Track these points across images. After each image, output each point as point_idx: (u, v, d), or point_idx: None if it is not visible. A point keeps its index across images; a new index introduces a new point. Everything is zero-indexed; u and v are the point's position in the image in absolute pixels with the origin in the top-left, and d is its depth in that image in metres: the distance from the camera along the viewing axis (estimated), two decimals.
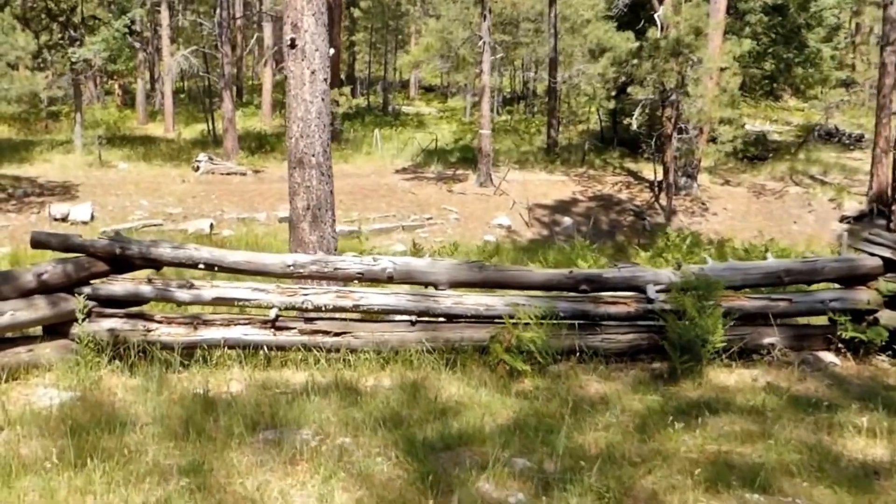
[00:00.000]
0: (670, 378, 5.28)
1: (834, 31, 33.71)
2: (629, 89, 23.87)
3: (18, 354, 5.16)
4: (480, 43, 25.32)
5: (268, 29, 39.64)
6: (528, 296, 5.94)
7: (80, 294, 5.34)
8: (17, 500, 3.35)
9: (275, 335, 5.53)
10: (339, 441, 4.01)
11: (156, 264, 5.73)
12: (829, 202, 23.62)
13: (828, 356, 5.79)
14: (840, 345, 5.85)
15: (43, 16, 27.05)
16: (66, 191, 21.88)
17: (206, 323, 5.53)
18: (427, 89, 52.46)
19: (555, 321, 5.53)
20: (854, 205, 23.21)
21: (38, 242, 5.49)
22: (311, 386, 4.87)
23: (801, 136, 31.11)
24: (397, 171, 26.90)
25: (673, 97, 22.16)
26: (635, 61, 23.49)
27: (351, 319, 5.80)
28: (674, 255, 11.29)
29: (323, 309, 5.58)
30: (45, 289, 5.24)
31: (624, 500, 3.43)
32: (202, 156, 26.07)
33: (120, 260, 5.58)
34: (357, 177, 24.58)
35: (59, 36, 26.62)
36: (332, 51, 7.77)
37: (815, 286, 6.49)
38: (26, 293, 5.17)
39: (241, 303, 5.59)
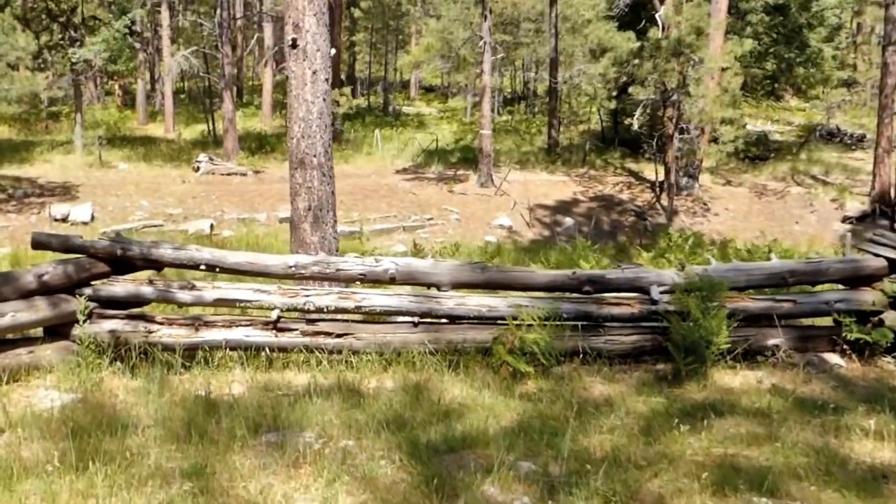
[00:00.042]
0: (674, 380, 5.25)
1: (835, 30, 33.69)
2: (630, 89, 23.85)
3: (19, 356, 5.14)
4: (481, 43, 25.30)
5: (268, 29, 39.65)
6: (530, 297, 5.91)
7: (80, 295, 5.31)
8: (18, 503, 3.32)
9: (276, 336, 5.50)
10: (342, 444, 3.98)
11: (157, 265, 5.70)
12: (830, 202, 23.59)
13: (833, 358, 5.76)
14: (845, 346, 5.82)
15: (43, 16, 27.03)
16: (66, 191, 21.86)
17: (208, 324, 5.50)
18: (427, 89, 52.44)
19: (558, 322, 5.50)
20: (856, 205, 23.16)
21: (39, 243, 5.46)
22: (314, 388, 4.84)
23: (803, 136, 31.07)
24: (398, 172, 26.88)
25: (674, 97, 22.14)
26: (636, 61, 23.46)
27: (353, 321, 5.77)
28: (676, 256, 11.26)
29: (325, 310, 5.55)
30: (45, 290, 5.21)
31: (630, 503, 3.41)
32: (202, 156, 26.06)
33: (121, 261, 5.54)
34: (357, 177, 24.57)
35: (60, 36, 26.60)
36: (333, 51, 7.74)
37: (819, 287, 6.46)
38: (27, 294, 5.14)
39: (242, 304, 5.56)
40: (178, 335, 5.42)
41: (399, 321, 5.75)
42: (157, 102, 38.48)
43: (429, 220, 21.97)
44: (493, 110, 28.35)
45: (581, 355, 5.55)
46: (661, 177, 24.21)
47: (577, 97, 31.96)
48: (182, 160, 26.63)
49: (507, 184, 24.64)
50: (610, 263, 10.10)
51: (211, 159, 25.90)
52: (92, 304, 5.33)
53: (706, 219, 22.99)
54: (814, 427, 4.32)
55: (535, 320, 5.38)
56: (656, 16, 22.84)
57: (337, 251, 7.98)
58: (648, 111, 24.75)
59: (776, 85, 33.14)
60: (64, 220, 19.38)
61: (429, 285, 5.77)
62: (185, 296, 5.49)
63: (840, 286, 6.24)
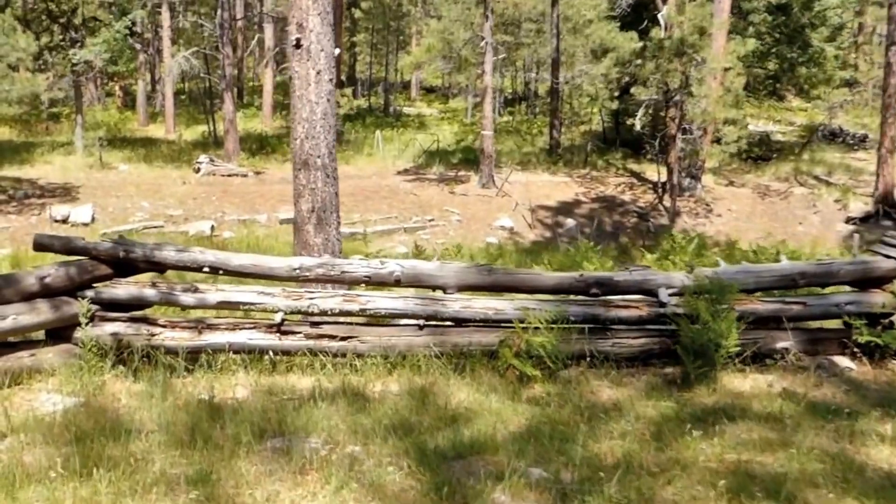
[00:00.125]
0: (684, 383, 5.18)
1: (838, 30, 33.59)
2: (632, 90, 23.79)
3: (21, 359, 5.08)
4: (482, 43, 25.24)
5: (268, 30, 39.60)
6: (537, 299, 5.85)
7: (82, 297, 5.26)
8: None
9: (280, 340, 5.44)
10: (348, 449, 3.92)
11: (160, 267, 5.64)
12: (834, 203, 23.49)
13: (843, 361, 5.69)
14: (855, 349, 5.75)
15: (44, 17, 26.96)
16: (66, 192, 21.80)
17: (211, 327, 5.45)
18: (428, 90, 52.38)
19: (565, 325, 5.43)
20: (860, 206, 23.06)
21: (41, 245, 5.41)
22: (318, 392, 4.78)
23: (805, 137, 31.00)
24: (399, 173, 26.82)
25: (677, 97, 22.07)
26: (639, 61, 23.40)
27: (357, 324, 5.71)
28: (680, 258, 11.21)
29: (329, 313, 5.49)
30: (47, 292, 5.15)
31: None
32: (203, 157, 25.99)
33: (123, 263, 5.49)
34: (358, 178, 24.50)
35: (60, 37, 26.53)
36: (337, 51, 7.68)
37: (828, 289, 6.40)
38: (29, 296, 5.08)
39: (246, 307, 5.51)
40: (180, 338, 5.37)
41: (404, 324, 5.69)
42: (158, 103, 38.41)
43: (430, 221, 21.91)
44: (494, 111, 28.27)
45: (588, 358, 5.49)
46: (664, 177, 24.13)
47: (578, 98, 31.91)
48: (183, 161, 26.57)
49: (509, 185, 24.57)
50: (614, 265, 10.04)
51: (212, 160, 25.83)
52: (94, 307, 5.27)
53: (709, 220, 22.92)
54: (828, 432, 4.25)
55: (542, 323, 5.32)
56: (658, 16, 22.78)
57: (340, 253, 7.93)
58: (651, 111, 24.69)
59: (778, 85, 33.07)
60: (64, 221, 19.31)
61: (434, 288, 5.71)
62: (188, 298, 5.43)
63: (847, 287, 6.19)
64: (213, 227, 19.65)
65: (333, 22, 7.80)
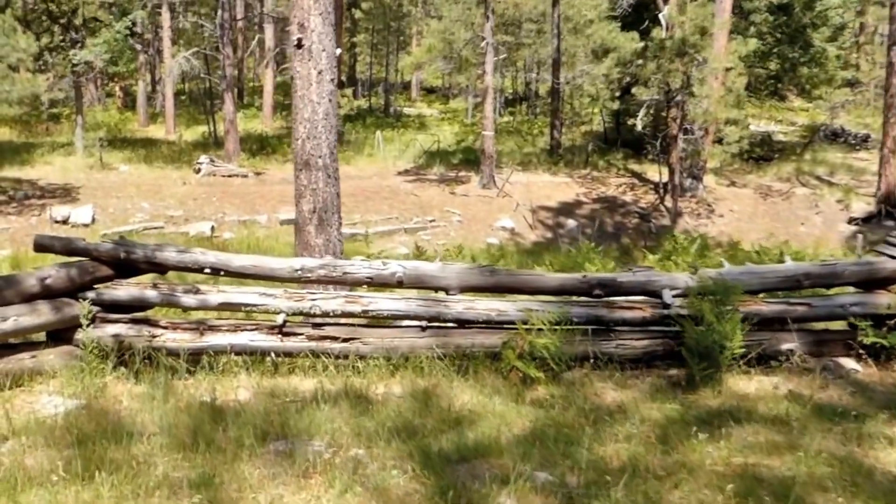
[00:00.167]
0: (688, 385, 5.15)
1: (839, 30, 33.55)
2: (633, 90, 23.75)
3: (22, 361, 5.06)
4: (483, 44, 25.22)
5: (269, 30, 39.55)
6: (540, 301, 5.82)
7: (83, 299, 5.23)
8: None
9: (282, 341, 5.41)
10: (352, 452, 3.89)
11: (161, 268, 5.61)
12: (836, 203, 23.41)
13: (849, 362, 5.65)
14: (861, 350, 5.72)
15: (44, 18, 26.93)
16: (66, 193, 21.77)
17: (213, 328, 5.42)
18: (428, 91, 52.34)
19: (568, 327, 5.40)
20: (862, 206, 22.98)
21: (42, 246, 5.38)
22: (321, 394, 4.76)
23: (807, 137, 30.95)
24: (399, 173, 26.78)
25: (678, 97, 22.03)
26: (640, 62, 23.35)
27: (359, 325, 5.68)
28: (683, 259, 11.17)
29: (331, 314, 5.46)
30: (48, 293, 5.13)
31: None
32: (203, 158, 25.96)
33: (124, 264, 5.46)
34: (359, 179, 24.46)
35: (61, 38, 26.49)
36: (339, 51, 7.65)
37: (833, 290, 6.36)
38: (30, 298, 5.06)
39: (248, 308, 5.48)
40: (182, 340, 5.34)
41: (406, 325, 5.66)
42: (158, 104, 38.38)
43: (430, 221, 21.88)
44: (494, 111, 28.24)
45: (591, 360, 5.46)
46: (665, 178, 24.08)
47: (579, 98, 31.86)
48: (183, 162, 26.54)
49: (510, 185, 24.54)
50: (617, 266, 10.00)
51: (212, 161, 25.80)
52: (95, 308, 5.25)
53: (710, 220, 22.87)
54: (835, 435, 4.22)
55: (545, 325, 5.29)
56: (660, 16, 22.73)
57: (342, 254, 7.90)
58: (652, 112, 24.65)
59: (779, 85, 33.02)
60: (64, 222, 19.29)
61: (436, 289, 5.68)
62: (189, 300, 5.40)
63: (850, 289, 6.15)
64: (213, 228, 19.62)
65: (334, 22, 7.77)
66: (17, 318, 4.92)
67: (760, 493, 3.48)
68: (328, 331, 5.47)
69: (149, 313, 5.69)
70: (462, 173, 26.58)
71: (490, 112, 25.69)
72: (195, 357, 5.28)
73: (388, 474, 3.60)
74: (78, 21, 26.27)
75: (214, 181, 24.36)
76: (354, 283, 5.75)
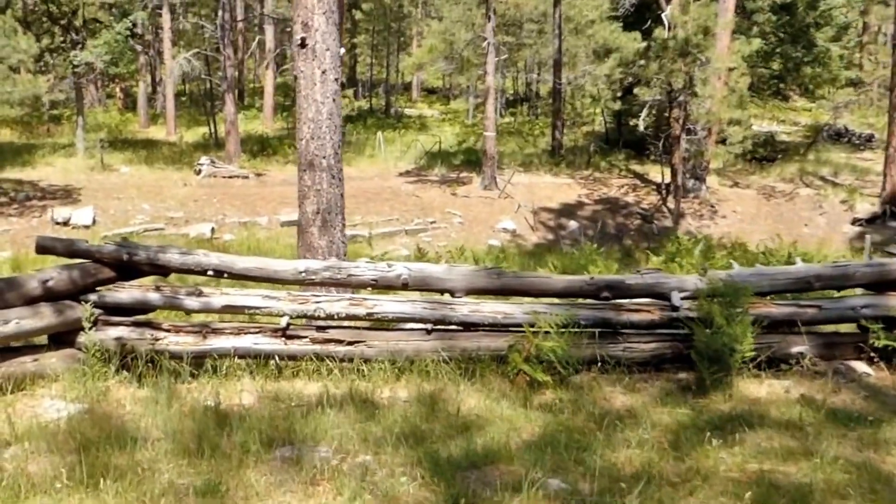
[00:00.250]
0: (698, 390, 5.08)
1: (843, 29, 33.45)
2: (635, 90, 23.67)
3: (24, 364, 5.00)
4: (485, 44, 25.16)
5: (269, 31, 39.48)
6: (546, 303, 5.75)
7: (86, 301, 5.17)
8: None
9: (286, 344, 5.35)
10: (360, 459, 3.82)
11: (163, 271, 5.55)
12: (840, 204, 23.25)
13: (860, 366, 5.58)
14: (872, 354, 5.64)
15: (44, 19, 26.87)
16: (67, 195, 21.70)
17: (216, 331, 5.36)
18: (429, 91, 52.30)
19: (575, 330, 5.33)
20: (866, 206, 22.79)
21: (44, 248, 5.32)
22: (326, 398, 4.69)
23: (810, 137, 30.84)
24: (400, 174, 26.71)
25: (681, 98, 21.94)
26: (642, 62, 23.26)
27: (364, 328, 5.62)
28: (687, 260, 11.11)
29: (335, 317, 5.39)
30: (50, 296, 5.07)
31: None
32: (204, 159, 25.90)
33: (127, 266, 5.40)
34: (360, 180, 24.36)
35: (61, 39, 26.42)
36: (342, 50, 7.59)
37: (842, 292, 6.28)
38: (31, 300, 5.00)
39: (251, 311, 5.42)
40: (185, 343, 5.28)
41: (411, 328, 5.59)
42: (159, 105, 38.34)
43: (431, 223, 21.81)
44: (496, 112, 28.18)
45: (599, 364, 5.40)
46: (668, 179, 23.98)
47: (580, 98, 31.79)
48: (183, 163, 26.48)
49: (511, 186, 24.46)
50: (621, 268, 9.94)
51: (212, 162, 25.74)
52: (97, 311, 5.19)
53: (713, 221, 22.77)
54: (850, 441, 4.15)
55: (552, 327, 5.23)
56: (662, 16, 22.64)
57: (345, 256, 7.83)
58: (654, 112, 24.57)
59: (783, 85, 32.92)
60: (65, 223, 19.22)
61: (442, 291, 5.61)
62: (192, 302, 5.34)
63: (858, 290, 6.08)
64: (213, 230, 19.56)
65: (338, 21, 7.70)
66: (18, 320, 4.87)
67: (778, 500, 3.41)
68: (332, 334, 5.41)
69: (151, 316, 5.63)
70: (463, 174, 26.50)
71: (491, 113, 25.63)
72: (198, 360, 5.22)
73: (396, 481, 3.53)
74: (78, 22, 26.21)
75: (215, 182, 24.30)
76: (359, 286, 5.69)
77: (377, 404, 4.71)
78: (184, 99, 41.02)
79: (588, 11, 27.65)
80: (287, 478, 3.57)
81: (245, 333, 5.36)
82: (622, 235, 22.09)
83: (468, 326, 5.52)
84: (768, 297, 5.84)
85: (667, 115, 23.64)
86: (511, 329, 5.46)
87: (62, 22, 26.28)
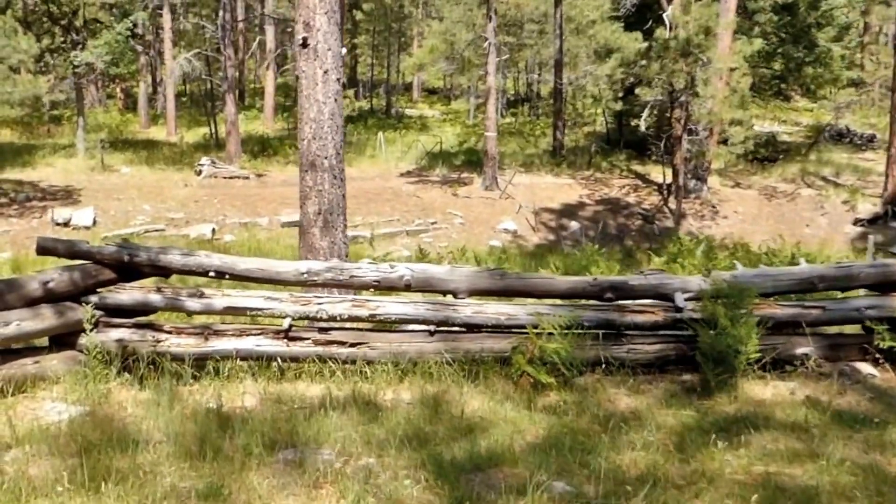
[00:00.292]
0: (703, 391, 5.06)
1: (844, 30, 33.40)
2: (637, 90, 23.61)
3: (25, 366, 4.97)
4: (486, 44, 25.13)
5: (270, 32, 39.45)
6: (549, 304, 5.73)
7: (86, 303, 5.14)
8: None
9: (288, 346, 5.33)
10: (363, 461, 3.79)
11: (165, 272, 5.53)
12: (842, 204, 23.17)
13: (865, 367, 5.56)
14: (877, 355, 5.62)
15: (45, 19, 26.86)
16: (68, 195, 21.68)
17: (218, 333, 5.33)
18: (430, 92, 52.28)
19: (579, 331, 5.31)
20: (868, 207, 22.72)
21: (44, 249, 5.30)
22: (329, 400, 4.67)
23: (812, 137, 30.80)
24: (401, 175, 26.68)
25: (682, 98, 21.90)
26: (643, 62, 23.23)
27: (366, 329, 5.59)
28: (689, 261, 11.08)
29: (338, 318, 5.37)
30: (51, 297, 5.05)
31: None
32: (205, 160, 25.88)
33: (128, 267, 5.38)
34: (361, 180, 24.33)
35: (62, 39, 26.41)
36: (344, 50, 7.56)
37: (847, 293, 6.26)
38: (32, 302, 4.98)
39: (253, 312, 5.40)
40: (187, 344, 5.26)
41: (414, 330, 5.57)
42: (159, 105, 38.32)
43: (433, 223, 21.78)
44: (497, 112, 28.15)
45: (603, 365, 5.37)
46: (669, 179, 23.94)
47: (581, 99, 31.77)
48: (184, 164, 26.45)
49: (512, 187, 24.42)
50: (624, 269, 9.90)
51: (213, 163, 25.71)
52: (98, 313, 5.17)
53: (715, 222, 22.72)
54: (857, 443, 4.12)
55: (556, 329, 5.20)
56: (664, 16, 22.60)
57: (347, 256, 7.81)
58: (655, 112, 24.52)
59: (784, 85, 32.86)
60: (66, 224, 19.20)
61: (445, 293, 5.59)
62: (194, 304, 5.32)
63: (862, 291, 6.06)
64: (214, 231, 19.54)
65: (339, 21, 7.68)
66: (19, 322, 4.84)
67: (784, 503, 3.38)
68: (335, 335, 5.38)
69: (152, 318, 5.61)
70: (464, 175, 26.47)
71: (492, 113, 25.60)
72: (200, 362, 5.19)
73: (400, 484, 3.50)
74: (79, 22, 26.20)
75: (216, 183, 24.28)
76: (361, 287, 5.66)
77: (380, 406, 4.69)
78: (184, 99, 41.02)
79: (589, 12, 27.62)
80: (290, 481, 3.55)
81: (247, 335, 5.33)
82: (623, 236, 22.06)
83: (471, 328, 5.49)
84: (772, 298, 5.82)
85: (668, 115, 23.59)
86: (514, 330, 5.44)
87: (62, 22, 26.27)
